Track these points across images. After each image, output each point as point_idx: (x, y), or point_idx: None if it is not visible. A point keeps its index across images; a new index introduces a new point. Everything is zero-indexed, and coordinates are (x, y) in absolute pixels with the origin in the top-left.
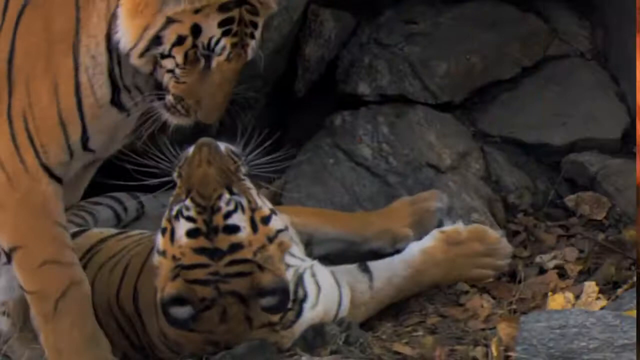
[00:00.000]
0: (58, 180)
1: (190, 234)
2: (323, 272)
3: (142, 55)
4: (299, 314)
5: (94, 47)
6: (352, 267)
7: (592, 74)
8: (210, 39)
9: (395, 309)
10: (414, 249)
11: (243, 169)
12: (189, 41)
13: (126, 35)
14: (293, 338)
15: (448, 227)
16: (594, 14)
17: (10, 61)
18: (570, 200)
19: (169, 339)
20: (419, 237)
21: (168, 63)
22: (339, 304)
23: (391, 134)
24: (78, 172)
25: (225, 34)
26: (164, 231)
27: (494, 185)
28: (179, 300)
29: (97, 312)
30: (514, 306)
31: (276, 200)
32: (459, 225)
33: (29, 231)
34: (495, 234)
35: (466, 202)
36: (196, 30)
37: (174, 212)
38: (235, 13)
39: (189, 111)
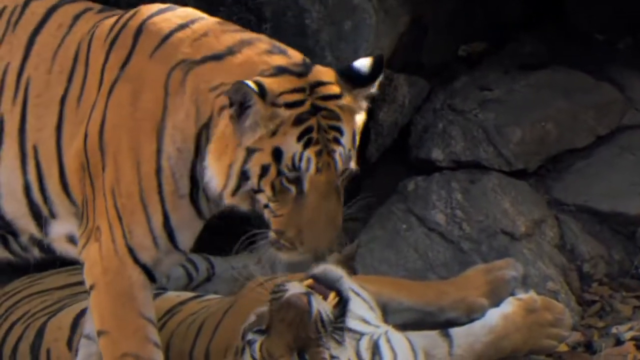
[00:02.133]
0: (145, 269)
1: None
2: (398, 338)
3: (234, 194)
4: None
5: (179, 141)
6: (432, 333)
7: None
8: (293, 157)
9: None
10: (495, 315)
11: (326, 340)
12: (273, 169)
13: (215, 177)
14: None
15: (524, 295)
16: None
17: (101, 133)
18: None
19: None
20: (493, 306)
21: (262, 197)
22: None
23: (465, 200)
24: None
25: (306, 145)
26: (236, 352)
27: (569, 254)
28: None
29: None
30: None
31: (349, 265)
32: (533, 294)
33: (113, 318)
34: (561, 305)
35: (541, 270)
36: (277, 154)
37: (245, 345)
38: (312, 122)
39: (294, 244)
